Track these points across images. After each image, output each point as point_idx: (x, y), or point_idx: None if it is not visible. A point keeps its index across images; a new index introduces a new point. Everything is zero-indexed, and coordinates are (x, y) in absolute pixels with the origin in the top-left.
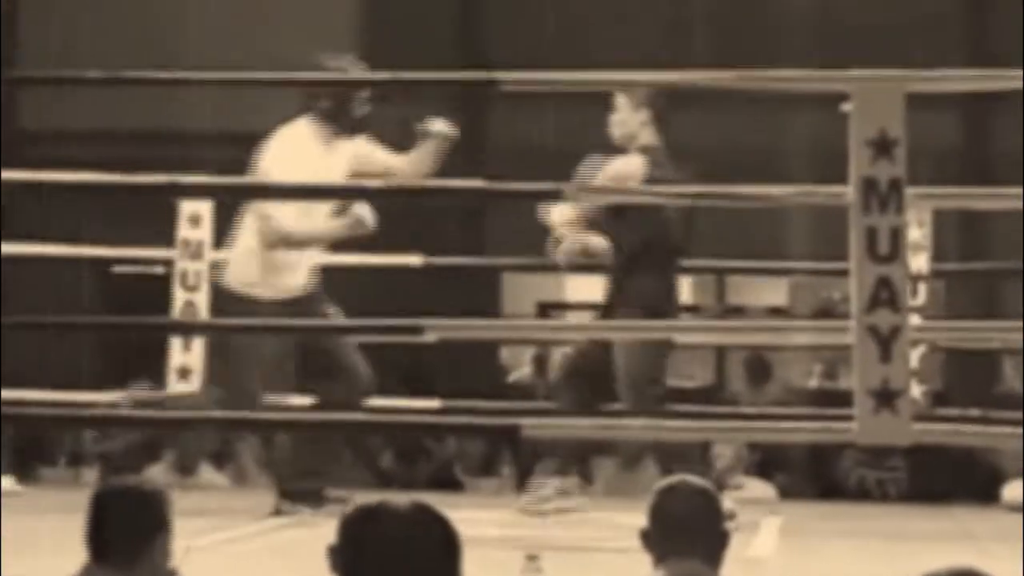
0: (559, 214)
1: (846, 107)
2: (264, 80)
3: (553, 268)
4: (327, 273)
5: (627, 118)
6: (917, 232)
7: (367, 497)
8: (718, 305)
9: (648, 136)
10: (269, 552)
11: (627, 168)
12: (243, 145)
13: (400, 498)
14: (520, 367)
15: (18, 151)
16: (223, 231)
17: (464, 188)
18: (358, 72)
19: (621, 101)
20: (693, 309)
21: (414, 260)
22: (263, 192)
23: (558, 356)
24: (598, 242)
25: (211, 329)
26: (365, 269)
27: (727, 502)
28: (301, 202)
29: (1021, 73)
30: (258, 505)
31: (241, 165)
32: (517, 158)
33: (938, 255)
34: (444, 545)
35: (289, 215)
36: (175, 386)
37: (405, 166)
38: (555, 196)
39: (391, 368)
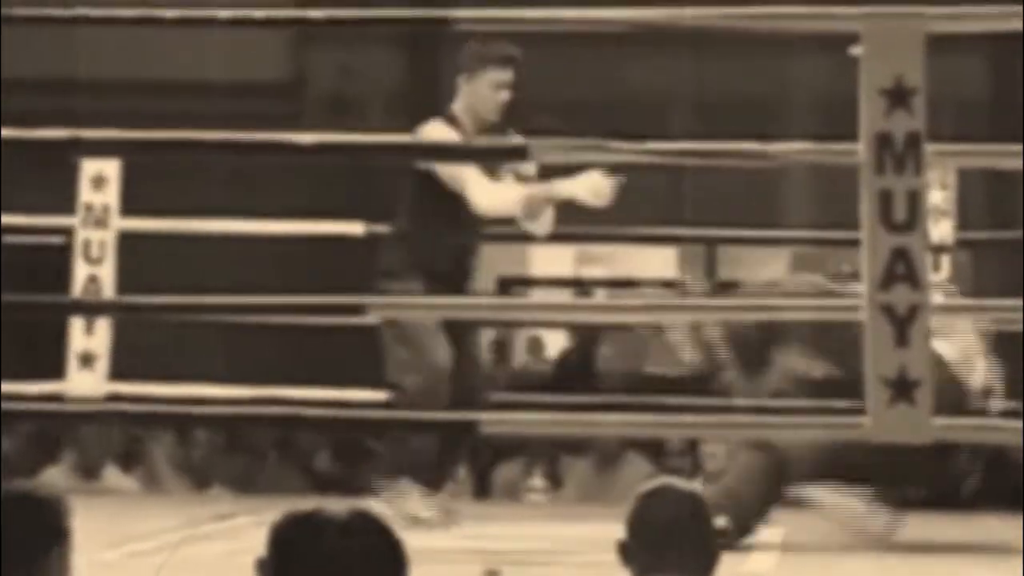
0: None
1: (856, 50)
2: (178, 19)
3: (518, 238)
4: (252, 243)
5: None
6: (939, 195)
7: (300, 504)
8: (707, 280)
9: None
10: (187, 567)
11: (428, 136)
12: (154, 94)
13: (338, 505)
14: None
15: None
16: (132, 195)
17: (412, 144)
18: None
19: None
20: (678, 284)
21: (355, 228)
22: (178, 148)
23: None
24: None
25: (117, 309)
26: (298, 239)
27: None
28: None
29: None
30: (174, 512)
31: (152, 117)
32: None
33: (964, 222)
34: (388, 558)
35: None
36: (75, 375)
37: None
38: (520, 154)
39: (328, 353)
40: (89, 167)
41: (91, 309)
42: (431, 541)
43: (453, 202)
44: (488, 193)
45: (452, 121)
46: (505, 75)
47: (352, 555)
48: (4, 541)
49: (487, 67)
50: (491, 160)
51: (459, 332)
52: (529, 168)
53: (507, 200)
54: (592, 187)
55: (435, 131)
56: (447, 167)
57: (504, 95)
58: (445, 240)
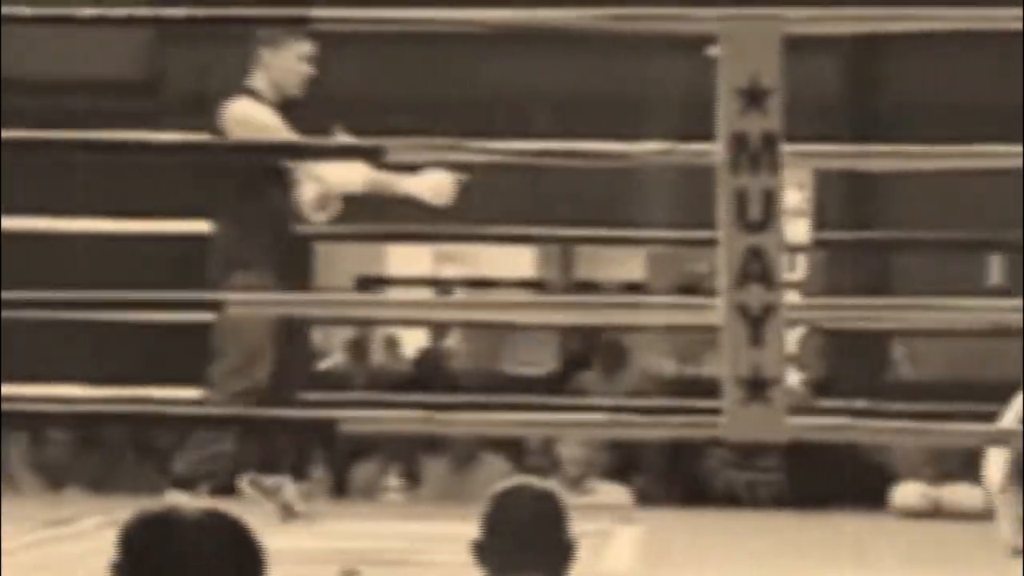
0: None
1: (713, 51)
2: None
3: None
4: (109, 242)
5: None
6: (795, 196)
7: (154, 504)
8: (564, 279)
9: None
10: (39, 568)
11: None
12: (14, 92)
13: (192, 505)
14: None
15: None
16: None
17: (272, 143)
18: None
19: None
20: (536, 284)
21: (203, 227)
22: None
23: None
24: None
25: None
26: (155, 236)
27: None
28: None
29: (914, 12)
30: (28, 512)
31: (12, 115)
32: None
33: (820, 222)
34: (243, 559)
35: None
36: None
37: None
38: (378, 153)
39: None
40: None
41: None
42: (288, 541)
43: (283, 193)
44: (335, 168)
45: (255, 95)
46: (308, 47)
47: (207, 556)
48: None
49: (292, 39)
50: (348, 159)
51: (291, 332)
52: (346, 139)
53: (353, 177)
54: (434, 186)
55: (244, 108)
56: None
57: (307, 68)
58: (286, 233)
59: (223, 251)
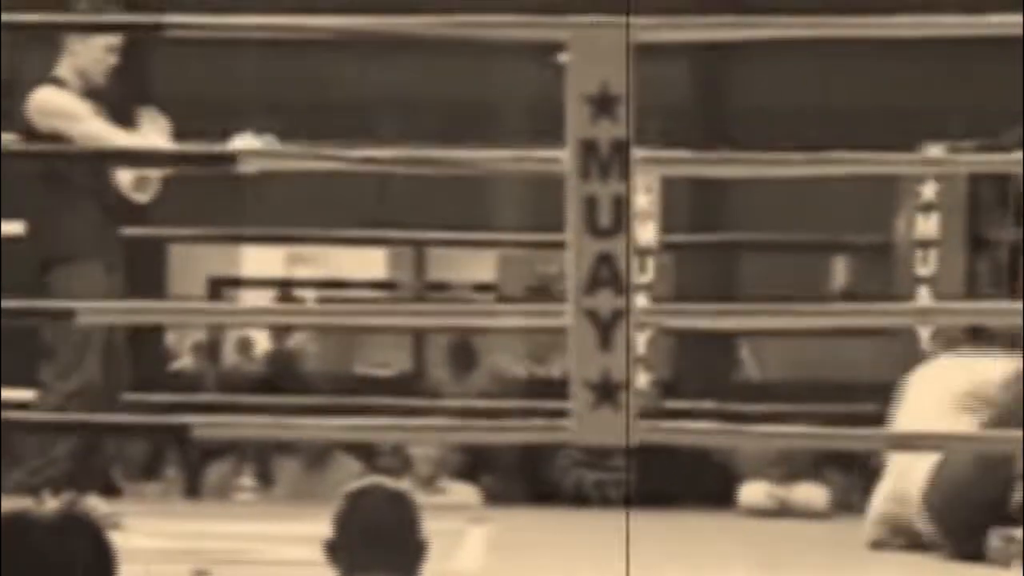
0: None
1: (563, 58)
2: None
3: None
4: None
5: None
6: (644, 200)
7: (10, 504)
8: (417, 282)
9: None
10: None
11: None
12: None
13: (48, 505)
14: (187, 354)
15: None
16: None
17: (126, 150)
18: None
19: None
20: (387, 285)
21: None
22: None
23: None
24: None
25: None
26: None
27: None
28: None
29: (761, 20)
30: None
31: None
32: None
33: (668, 226)
34: (97, 559)
35: None
36: None
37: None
38: (230, 160)
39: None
40: None
41: None
42: (140, 541)
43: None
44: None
45: (60, 84)
46: (116, 38)
47: (61, 555)
48: None
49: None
50: (200, 167)
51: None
52: (157, 116)
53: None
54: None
55: (48, 97)
56: (86, 132)
57: (114, 57)
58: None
59: (38, 248)
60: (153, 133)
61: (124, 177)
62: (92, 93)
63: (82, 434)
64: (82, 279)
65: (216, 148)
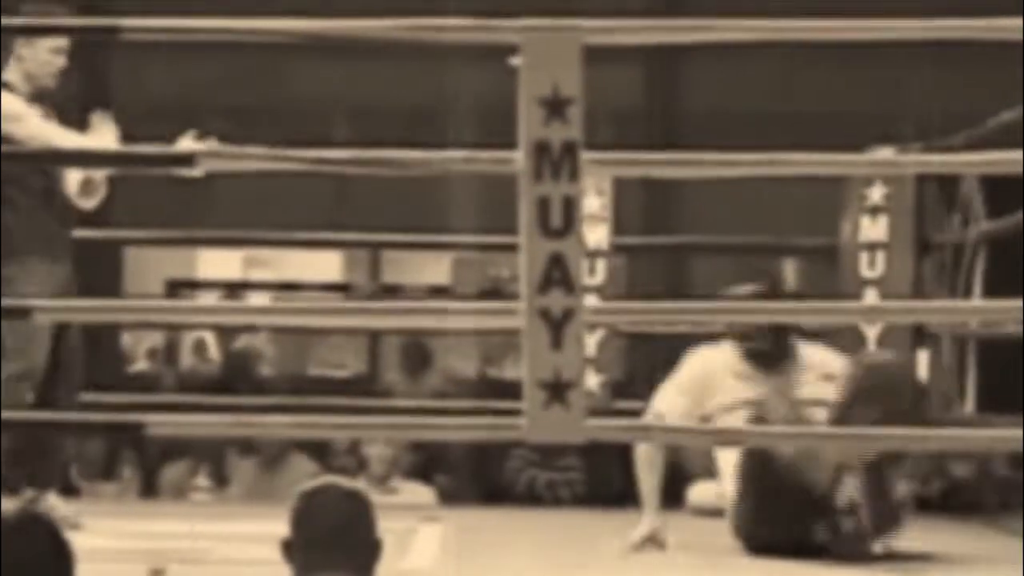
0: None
1: (515, 60)
2: None
3: (184, 241)
4: None
5: None
6: (595, 202)
7: None
8: (372, 283)
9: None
10: None
11: None
12: None
13: (6, 505)
14: (143, 356)
15: None
16: None
17: (84, 151)
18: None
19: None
20: (343, 288)
21: None
22: None
23: (188, 342)
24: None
25: None
26: None
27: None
28: None
29: (708, 23)
30: None
31: None
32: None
33: (619, 228)
34: (54, 558)
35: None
36: None
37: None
38: (187, 161)
39: None
40: None
41: None
42: (97, 540)
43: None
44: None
45: (7, 87)
46: (63, 41)
47: (19, 554)
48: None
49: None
50: (158, 168)
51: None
52: (105, 118)
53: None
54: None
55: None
56: (33, 134)
57: (62, 60)
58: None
59: None
60: (103, 136)
61: (72, 182)
62: (40, 96)
63: (34, 431)
64: (28, 276)
65: (172, 150)
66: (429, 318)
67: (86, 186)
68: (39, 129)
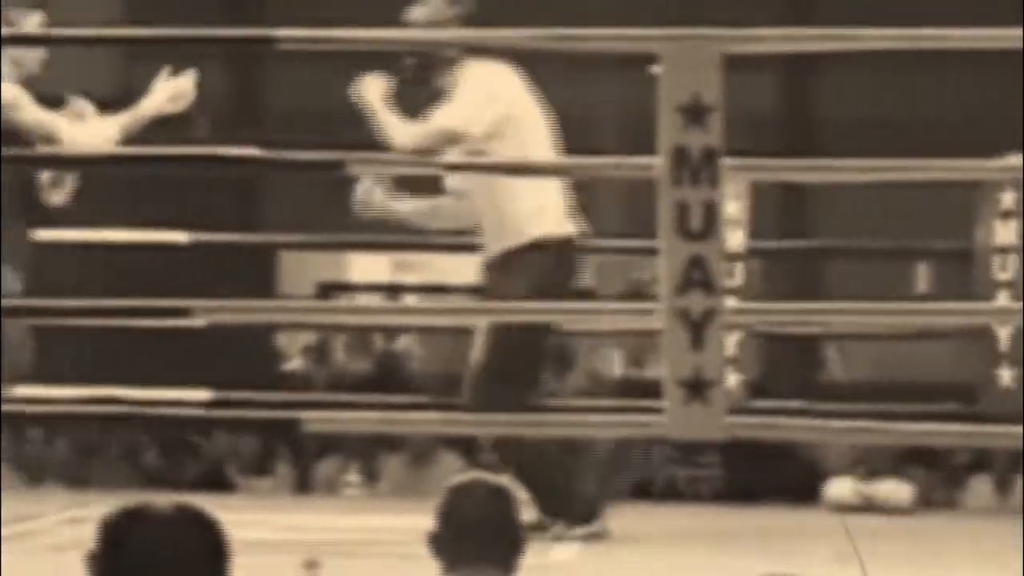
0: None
1: (656, 70)
2: (11, 36)
3: (335, 246)
4: (85, 250)
5: None
6: (733, 207)
7: (129, 498)
8: None
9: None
10: (20, 560)
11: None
12: None
13: (163, 499)
14: (297, 356)
15: None
16: None
17: (237, 157)
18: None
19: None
20: (479, 290)
21: (180, 237)
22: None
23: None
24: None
25: None
26: (126, 246)
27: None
28: None
29: (844, 32)
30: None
31: None
32: (296, 125)
33: (756, 232)
34: (211, 551)
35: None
36: None
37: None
38: (337, 167)
39: (155, 355)
40: None
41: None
42: (253, 533)
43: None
44: (81, 133)
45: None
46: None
47: (177, 547)
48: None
49: (26, 19)
50: (307, 172)
51: None
52: (85, 106)
53: (104, 136)
54: (171, 93)
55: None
56: (34, 120)
57: (43, 48)
58: None
59: None
60: (93, 124)
61: (42, 174)
62: (25, 82)
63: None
64: None
65: (321, 156)
66: (573, 319)
67: (55, 179)
68: (38, 116)
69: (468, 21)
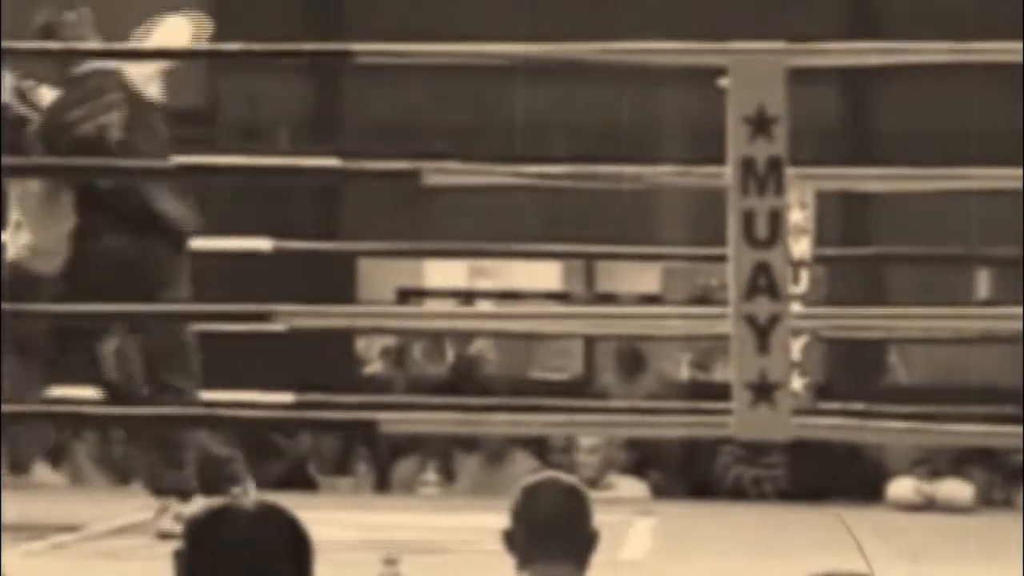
0: None
1: (723, 82)
2: (104, 51)
3: (413, 253)
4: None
5: None
6: (798, 215)
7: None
8: (588, 292)
9: None
10: (108, 556)
11: None
12: None
13: (248, 499)
14: (376, 359)
15: None
16: None
17: (317, 167)
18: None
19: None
20: (561, 296)
21: (263, 244)
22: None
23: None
24: None
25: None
26: (211, 253)
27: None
28: None
29: (905, 46)
30: (97, 506)
31: None
32: (375, 135)
33: (821, 239)
34: (294, 548)
35: None
36: None
37: None
38: (414, 176)
39: (238, 359)
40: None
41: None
42: (334, 532)
43: None
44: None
45: None
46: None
47: (261, 544)
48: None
49: None
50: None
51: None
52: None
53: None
54: (170, 32)
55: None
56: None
57: None
58: None
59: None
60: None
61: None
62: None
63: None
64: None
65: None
66: (643, 324)
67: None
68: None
69: (541, 35)
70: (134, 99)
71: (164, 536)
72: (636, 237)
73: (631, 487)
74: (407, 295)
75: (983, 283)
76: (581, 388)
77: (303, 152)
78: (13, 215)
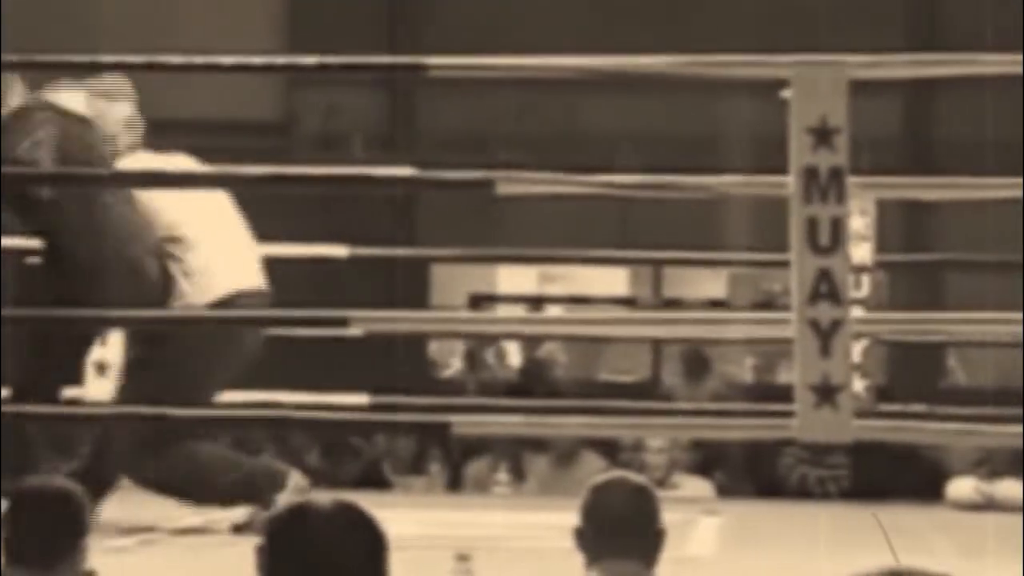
0: None
1: (786, 94)
2: (184, 65)
3: (485, 259)
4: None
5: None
6: (860, 222)
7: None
8: (655, 297)
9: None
10: (192, 554)
11: None
12: (161, 133)
13: (325, 497)
14: (450, 362)
15: None
16: None
17: (393, 176)
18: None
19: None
20: (629, 301)
21: (340, 251)
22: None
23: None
24: None
25: (123, 322)
26: (289, 260)
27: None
28: None
29: (963, 57)
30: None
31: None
32: (448, 146)
33: (881, 246)
34: (371, 545)
35: None
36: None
37: None
38: (486, 185)
39: (316, 362)
40: None
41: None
42: (408, 529)
43: None
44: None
45: None
46: None
47: (338, 541)
48: (33, 530)
49: None
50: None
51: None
52: None
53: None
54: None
55: None
56: None
57: None
58: None
59: None
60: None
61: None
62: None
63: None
64: None
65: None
66: (708, 328)
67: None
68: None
69: (609, 48)
70: (68, 124)
71: (238, 529)
72: (702, 244)
73: (697, 487)
74: (479, 300)
75: None
76: (648, 390)
77: (378, 162)
78: None
